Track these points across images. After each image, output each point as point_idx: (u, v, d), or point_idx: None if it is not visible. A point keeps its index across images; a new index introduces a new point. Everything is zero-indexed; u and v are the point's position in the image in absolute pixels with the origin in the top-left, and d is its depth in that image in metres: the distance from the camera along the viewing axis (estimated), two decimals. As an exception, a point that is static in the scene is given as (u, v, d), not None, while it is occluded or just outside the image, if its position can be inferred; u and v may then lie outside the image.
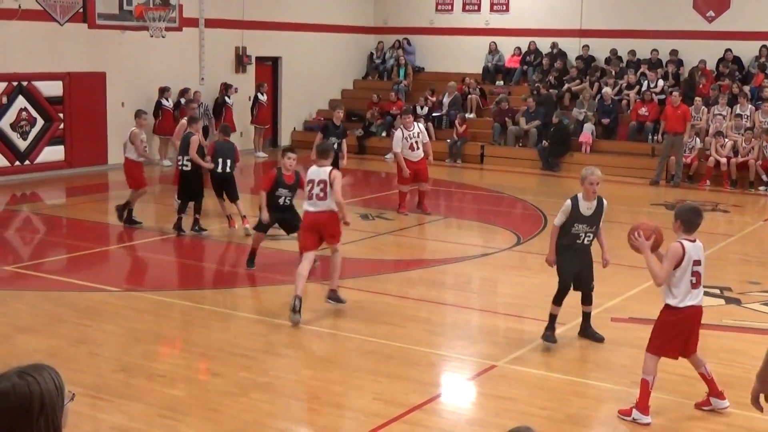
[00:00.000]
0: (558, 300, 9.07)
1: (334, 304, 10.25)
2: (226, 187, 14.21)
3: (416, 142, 15.80)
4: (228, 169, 14.04)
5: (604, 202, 9.08)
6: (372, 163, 23.38)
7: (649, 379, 7.43)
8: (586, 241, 9.02)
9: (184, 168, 13.96)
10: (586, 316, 9.37)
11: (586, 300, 9.31)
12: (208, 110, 21.37)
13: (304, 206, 10.21)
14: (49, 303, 10.42)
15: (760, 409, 5.57)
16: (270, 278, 12.18)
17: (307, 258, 10.03)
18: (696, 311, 7.35)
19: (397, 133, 16.06)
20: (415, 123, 16.29)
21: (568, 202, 8.89)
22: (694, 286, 7.24)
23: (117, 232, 14.54)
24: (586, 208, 8.89)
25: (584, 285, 9.23)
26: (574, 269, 9.04)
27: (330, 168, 10.04)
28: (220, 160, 13.98)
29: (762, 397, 5.48)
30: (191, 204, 14.11)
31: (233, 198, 14.26)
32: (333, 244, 10.25)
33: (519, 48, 26.18)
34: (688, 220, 7.22)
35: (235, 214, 14.42)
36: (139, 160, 14.49)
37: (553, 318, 9.10)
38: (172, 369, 8.40)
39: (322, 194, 9.90)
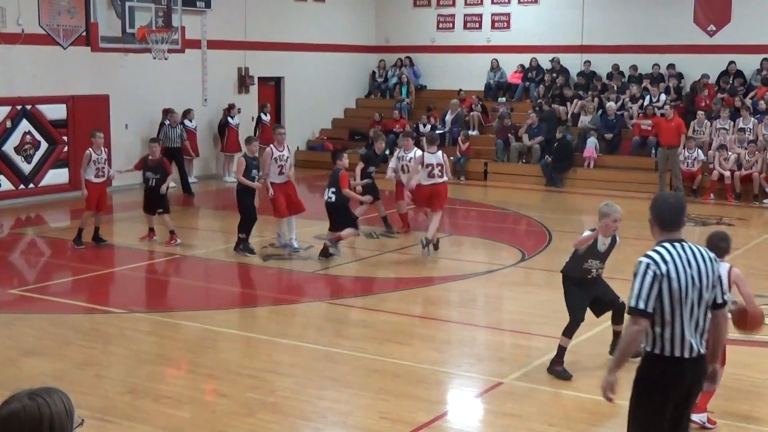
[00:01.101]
0: (569, 333, 8.74)
1: (425, 250, 13.63)
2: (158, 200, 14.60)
3: (406, 165, 15.14)
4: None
5: (618, 240, 8.79)
6: (376, 181, 23.33)
7: None
8: (595, 275, 8.86)
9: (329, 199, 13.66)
10: (617, 335, 8.89)
11: (618, 319, 8.87)
12: (183, 132, 21.30)
13: (419, 181, 13.97)
14: (54, 326, 10.40)
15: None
16: (275, 298, 12.18)
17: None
18: None
19: (394, 156, 15.95)
20: (414, 147, 15.63)
21: (587, 233, 8.67)
22: None
23: (122, 253, 14.55)
24: (602, 243, 8.66)
25: (611, 305, 8.96)
26: (586, 302, 8.83)
27: (441, 152, 13.89)
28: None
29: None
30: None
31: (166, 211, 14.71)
32: (438, 209, 13.97)
33: (522, 65, 26.23)
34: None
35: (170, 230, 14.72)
36: (95, 180, 14.48)
37: (562, 350, 8.74)
38: (178, 390, 8.38)
39: (440, 173, 13.80)
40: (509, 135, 23.66)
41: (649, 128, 22.07)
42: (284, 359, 9.31)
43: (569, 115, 23.95)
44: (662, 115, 21.38)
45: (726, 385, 8.47)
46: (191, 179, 21.99)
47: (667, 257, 5.32)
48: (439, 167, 13.91)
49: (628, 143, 22.75)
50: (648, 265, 5.30)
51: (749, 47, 23.25)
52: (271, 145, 14.15)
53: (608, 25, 25.07)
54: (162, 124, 20.99)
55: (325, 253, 13.64)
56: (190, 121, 21.91)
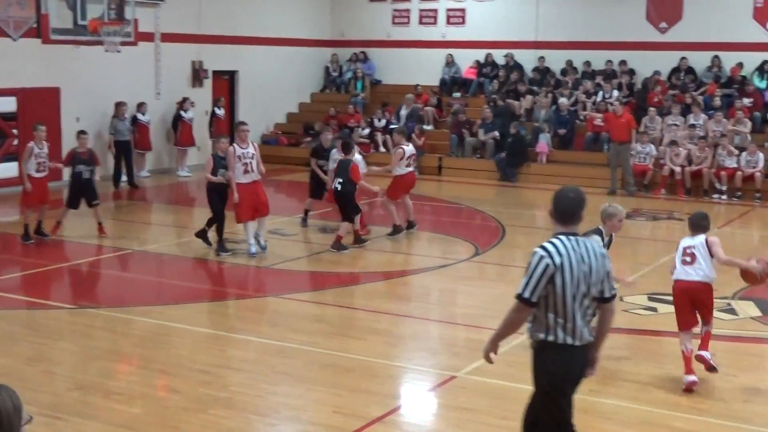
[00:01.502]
0: None
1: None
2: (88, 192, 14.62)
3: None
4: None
5: (614, 238, 8.86)
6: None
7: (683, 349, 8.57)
8: None
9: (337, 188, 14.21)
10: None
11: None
12: (132, 125, 21.19)
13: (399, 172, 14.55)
14: (2, 321, 10.26)
15: (491, 361, 5.86)
16: (228, 293, 12.12)
17: None
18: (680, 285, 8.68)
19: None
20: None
21: (598, 238, 8.24)
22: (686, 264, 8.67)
23: (72, 248, 14.38)
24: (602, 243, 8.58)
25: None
26: None
27: None
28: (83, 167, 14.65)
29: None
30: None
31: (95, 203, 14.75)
32: None
33: (478, 61, 26.31)
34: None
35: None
36: (37, 175, 14.32)
37: None
38: (129, 386, 8.31)
39: (414, 162, 15.07)
40: (464, 130, 23.74)
41: (602, 123, 22.28)
42: (237, 354, 9.28)
43: (523, 111, 24.10)
44: (613, 111, 21.61)
45: (676, 378, 8.61)
46: (144, 173, 21.81)
47: (562, 250, 5.47)
48: (412, 157, 15.62)
49: (581, 139, 22.95)
50: (542, 257, 5.46)
51: (700, 44, 23.57)
52: (234, 143, 13.57)
53: (562, 21, 25.25)
54: (113, 117, 20.78)
55: (338, 247, 13.98)
56: (143, 114, 21.71)
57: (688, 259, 8.75)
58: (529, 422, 5.90)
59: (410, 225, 15.64)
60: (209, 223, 13.95)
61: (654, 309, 11.03)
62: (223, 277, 12.98)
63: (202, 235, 14.02)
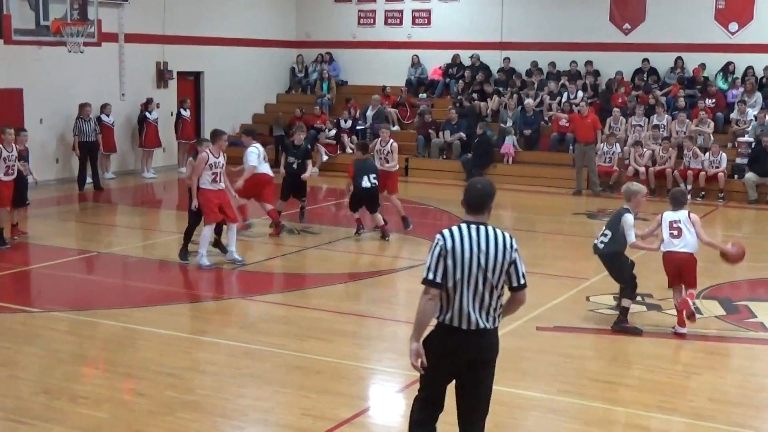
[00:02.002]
0: (633, 295, 10.47)
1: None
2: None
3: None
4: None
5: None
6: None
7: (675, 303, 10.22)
8: None
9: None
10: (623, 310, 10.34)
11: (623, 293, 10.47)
12: (96, 126, 21.02)
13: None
14: (-34, 326, 10.14)
15: (421, 370, 5.89)
16: (194, 295, 12.06)
17: None
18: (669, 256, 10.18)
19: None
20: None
21: (630, 216, 10.17)
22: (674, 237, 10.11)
23: (36, 251, 14.23)
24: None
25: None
26: None
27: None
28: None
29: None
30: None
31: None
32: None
33: (447, 64, 26.35)
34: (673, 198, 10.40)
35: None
36: (5, 178, 13.98)
37: (625, 310, 10.30)
38: (95, 390, 8.24)
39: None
40: (430, 131, 23.79)
41: (567, 124, 22.42)
42: (204, 357, 9.23)
43: (489, 112, 24.19)
44: (578, 112, 21.77)
45: (641, 377, 8.70)
46: (109, 175, 21.64)
47: (456, 236, 5.75)
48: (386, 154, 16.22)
49: (546, 139, 23.07)
50: (438, 241, 5.79)
51: (663, 45, 23.81)
52: (208, 149, 13.05)
53: (527, 22, 25.39)
54: (77, 119, 20.60)
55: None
56: (107, 116, 21.53)
57: (675, 233, 10.16)
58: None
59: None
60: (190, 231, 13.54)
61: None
62: (190, 280, 12.91)
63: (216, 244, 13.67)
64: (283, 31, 28.12)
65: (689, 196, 19.83)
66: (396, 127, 25.03)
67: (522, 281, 5.86)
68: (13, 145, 14.21)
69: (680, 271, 10.15)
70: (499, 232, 5.83)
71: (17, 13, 18.58)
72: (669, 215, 10.24)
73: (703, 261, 14.21)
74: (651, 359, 9.33)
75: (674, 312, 10.36)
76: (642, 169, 20.61)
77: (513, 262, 5.80)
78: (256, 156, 15.14)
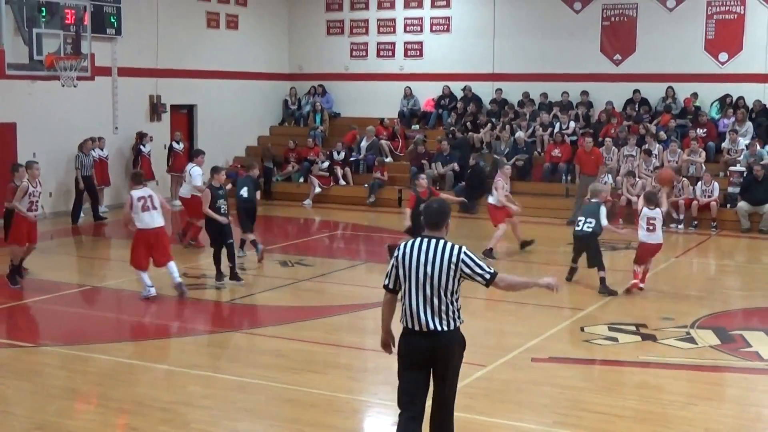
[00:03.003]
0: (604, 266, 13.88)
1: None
2: None
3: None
4: None
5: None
6: (289, 209, 23.32)
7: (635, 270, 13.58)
8: None
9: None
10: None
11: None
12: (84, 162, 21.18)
13: None
14: (-42, 361, 10.08)
15: (389, 351, 6.83)
16: (187, 328, 12.01)
17: None
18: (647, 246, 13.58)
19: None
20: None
21: (604, 207, 13.94)
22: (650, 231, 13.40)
23: (29, 286, 14.17)
24: None
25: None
26: None
27: None
28: None
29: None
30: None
31: None
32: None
33: (439, 95, 26.48)
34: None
35: None
36: (30, 214, 13.85)
37: (603, 279, 13.67)
38: (88, 426, 8.18)
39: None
40: (423, 162, 23.85)
41: (560, 154, 22.50)
42: (197, 391, 9.18)
43: (483, 143, 24.24)
44: (582, 147, 21.89)
45: (635, 408, 8.67)
46: (102, 209, 21.62)
47: (407, 248, 6.49)
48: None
49: (539, 170, 23.14)
50: (396, 253, 6.56)
51: (654, 76, 23.96)
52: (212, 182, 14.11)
53: (518, 53, 25.55)
54: (78, 153, 20.72)
55: None
56: (101, 149, 21.58)
57: (651, 227, 13.46)
58: None
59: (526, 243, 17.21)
60: (230, 260, 13.85)
61: (615, 339, 11.09)
62: (183, 313, 12.87)
63: (232, 275, 13.86)
64: (276, 64, 28.24)
65: (682, 226, 20.12)
66: (389, 159, 25.11)
67: (487, 276, 6.42)
68: (38, 180, 14.09)
69: (651, 255, 13.79)
70: (449, 244, 6.41)
71: (11, 47, 18.64)
72: (647, 212, 13.46)
73: (698, 291, 14.30)
74: (646, 390, 9.31)
75: (670, 342, 10.33)
76: (635, 199, 20.63)
77: (468, 268, 6.38)
78: (200, 176, 16.25)
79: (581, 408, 8.70)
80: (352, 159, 24.94)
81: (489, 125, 24.44)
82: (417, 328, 6.41)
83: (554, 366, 10.00)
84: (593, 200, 13.99)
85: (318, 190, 24.10)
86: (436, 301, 6.36)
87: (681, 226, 20.26)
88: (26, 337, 11.41)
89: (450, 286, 6.35)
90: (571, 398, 8.90)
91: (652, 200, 13.58)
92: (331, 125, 27.07)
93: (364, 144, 25.14)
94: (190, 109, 25.56)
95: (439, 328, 6.37)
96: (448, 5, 26.54)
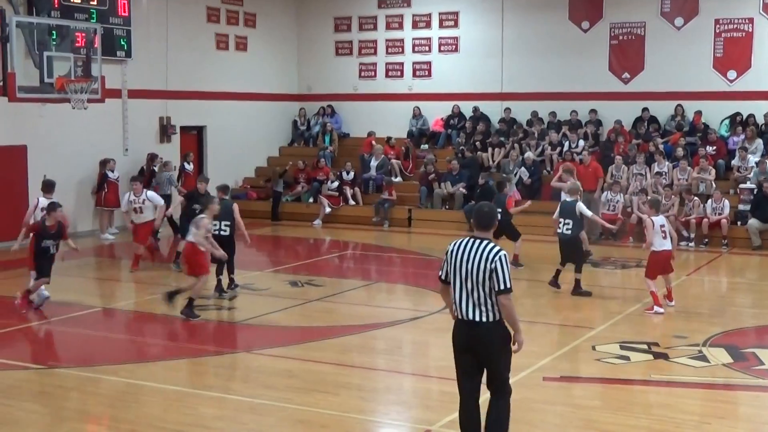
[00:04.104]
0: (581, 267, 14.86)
1: None
2: None
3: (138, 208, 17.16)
4: None
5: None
6: (299, 229, 23.34)
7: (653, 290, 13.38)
8: None
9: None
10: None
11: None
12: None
13: None
14: (-31, 384, 10.09)
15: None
16: (198, 349, 12.00)
17: None
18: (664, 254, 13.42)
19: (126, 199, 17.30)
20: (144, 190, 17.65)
21: (581, 202, 14.84)
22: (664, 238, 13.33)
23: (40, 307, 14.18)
24: None
25: None
26: None
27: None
28: None
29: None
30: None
31: None
32: None
33: (448, 115, 26.53)
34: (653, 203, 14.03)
35: None
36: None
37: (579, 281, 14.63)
38: (99, 447, 8.17)
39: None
40: (432, 181, 23.86)
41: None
42: (208, 412, 9.16)
43: (495, 163, 24.21)
44: (580, 161, 21.86)
45: (648, 427, 8.62)
46: (112, 230, 21.70)
47: (456, 246, 7.28)
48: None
49: (548, 189, 23.10)
50: (448, 248, 7.34)
51: (663, 94, 23.98)
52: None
53: (527, 72, 25.60)
54: (104, 175, 21.25)
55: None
56: (111, 171, 21.68)
57: (663, 234, 13.40)
58: None
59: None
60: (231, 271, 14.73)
61: (626, 358, 11.04)
62: (193, 334, 12.85)
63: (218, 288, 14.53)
64: (285, 85, 28.35)
65: (692, 243, 20.06)
66: (399, 179, 25.14)
67: (501, 287, 7.03)
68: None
69: (667, 264, 13.45)
70: (490, 245, 7.13)
71: (21, 70, 18.73)
72: (658, 220, 13.45)
73: (709, 309, 14.25)
74: (659, 408, 9.25)
75: (682, 360, 10.28)
76: (645, 217, 20.57)
77: (493, 270, 7.03)
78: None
79: (594, 428, 8.65)
80: (364, 177, 24.94)
81: (500, 147, 24.37)
82: (462, 317, 7.17)
83: (566, 385, 9.95)
84: (569, 199, 14.90)
85: (328, 210, 24.12)
86: (476, 295, 7.06)
87: (692, 244, 20.20)
88: (38, 359, 11.41)
89: (488, 283, 7.01)
90: (584, 417, 8.86)
91: (658, 206, 14.05)
92: (340, 145, 27.13)
93: (373, 163, 25.18)
94: (199, 131, 25.66)
95: (478, 319, 7.09)
96: (456, 25, 26.64)
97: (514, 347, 7.27)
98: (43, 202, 14.08)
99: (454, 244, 7.27)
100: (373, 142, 25.76)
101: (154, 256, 17.58)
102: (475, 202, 22.39)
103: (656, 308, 13.26)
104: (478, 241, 7.19)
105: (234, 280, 14.84)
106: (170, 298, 13.29)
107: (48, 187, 14.97)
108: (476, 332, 7.12)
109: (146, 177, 22.79)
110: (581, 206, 14.65)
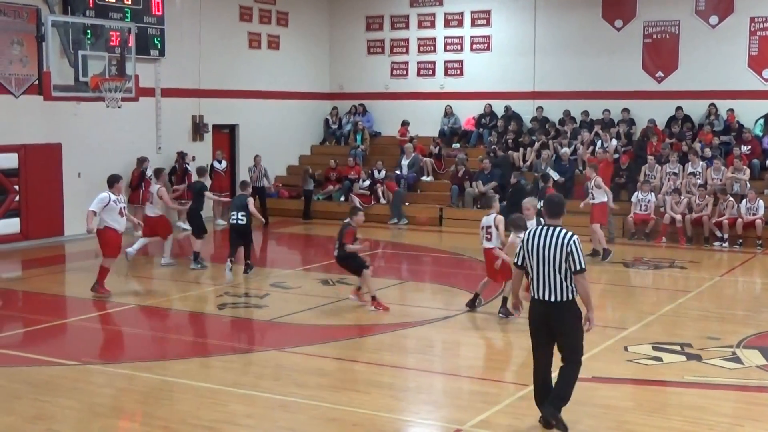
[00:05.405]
0: None
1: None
2: None
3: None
4: None
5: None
6: (330, 228, 23.35)
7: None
8: None
9: (240, 222, 16.10)
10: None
11: None
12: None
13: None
14: (4, 379, 10.20)
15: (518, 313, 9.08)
16: (230, 347, 12.06)
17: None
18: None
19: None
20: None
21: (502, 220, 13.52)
22: None
23: (74, 304, 14.35)
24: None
25: None
26: None
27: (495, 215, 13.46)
28: None
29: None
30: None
31: None
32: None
33: (480, 113, 26.48)
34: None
35: None
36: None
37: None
38: (132, 443, 8.23)
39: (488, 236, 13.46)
40: (464, 181, 23.82)
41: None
42: (240, 409, 9.20)
43: (528, 161, 24.12)
44: (619, 163, 21.78)
45: (682, 429, 8.56)
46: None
47: (531, 234, 8.19)
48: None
49: (580, 188, 22.97)
50: (523, 237, 8.34)
51: (697, 93, 23.78)
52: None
53: (559, 71, 25.49)
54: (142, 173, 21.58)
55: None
56: (146, 169, 21.85)
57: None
58: None
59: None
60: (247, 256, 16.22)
61: (659, 359, 10.97)
62: (226, 331, 12.93)
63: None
64: (317, 84, 28.42)
65: (726, 244, 19.88)
66: (430, 177, 25.12)
67: (577, 267, 7.95)
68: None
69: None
70: (563, 231, 8.05)
71: (57, 69, 18.95)
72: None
73: (743, 310, 14.12)
74: (691, 410, 9.18)
75: (715, 362, 10.19)
76: (678, 217, 20.47)
77: (569, 253, 7.92)
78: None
79: (625, 429, 8.60)
80: (397, 174, 24.91)
81: (533, 146, 24.29)
82: (538, 297, 8.04)
83: (598, 386, 9.90)
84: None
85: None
86: (552, 277, 7.94)
87: (726, 245, 20.02)
88: (70, 355, 11.52)
89: (563, 266, 7.90)
90: (616, 419, 8.81)
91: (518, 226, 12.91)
92: (371, 144, 27.15)
93: (404, 162, 25.18)
94: (231, 129, 25.78)
95: (553, 299, 7.97)
96: (488, 24, 26.58)
97: (585, 326, 8.08)
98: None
99: (530, 233, 8.15)
100: (407, 131, 25.85)
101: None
102: (507, 202, 22.43)
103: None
104: (551, 228, 8.08)
105: (250, 264, 16.28)
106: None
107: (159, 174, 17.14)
108: (552, 310, 7.99)
109: (179, 174, 23.01)
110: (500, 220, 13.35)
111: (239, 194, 16.67)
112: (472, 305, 13.50)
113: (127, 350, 11.98)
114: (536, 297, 8.09)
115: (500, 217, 13.29)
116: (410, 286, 15.98)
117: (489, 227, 13.26)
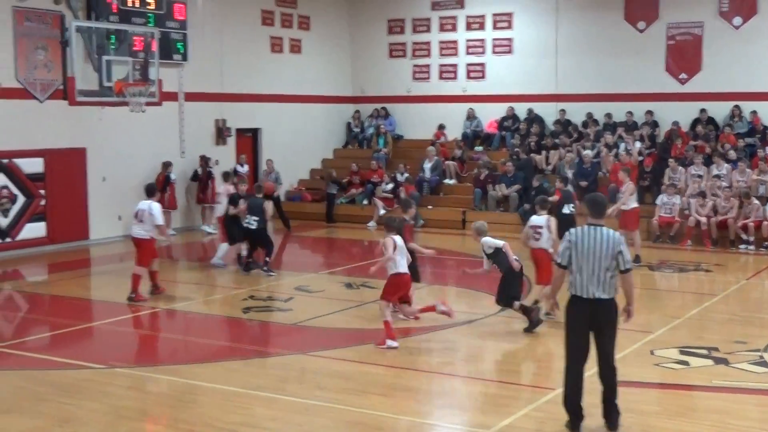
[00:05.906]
0: None
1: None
2: None
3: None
4: None
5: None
6: (353, 231, 23.40)
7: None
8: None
9: (251, 226, 16.47)
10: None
11: None
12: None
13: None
14: (31, 382, 10.27)
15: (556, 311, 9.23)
16: (254, 350, 12.08)
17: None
18: None
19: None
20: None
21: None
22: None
23: (99, 308, 14.42)
24: None
25: None
26: None
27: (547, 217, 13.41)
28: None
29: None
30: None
31: None
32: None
33: (502, 116, 26.43)
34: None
35: None
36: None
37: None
38: (158, 447, 8.26)
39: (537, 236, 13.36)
40: (487, 184, 23.77)
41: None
42: (264, 413, 9.22)
43: (552, 164, 24.04)
44: (643, 165, 21.67)
45: (709, 433, 8.50)
46: (170, 232, 21.93)
47: (578, 234, 8.32)
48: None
49: (604, 191, 22.83)
50: (567, 236, 8.38)
51: (721, 95, 23.63)
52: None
53: (582, 73, 25.40)
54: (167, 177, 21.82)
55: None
56: (170, 174, 21.97)
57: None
58: None
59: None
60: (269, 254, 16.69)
61: (686, 363, 10.90)
62: (250, 335, 12.97)
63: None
64: (339, 87, 28.46)
65: (752, 247, 19.72)
66: (453, 180, 25.09)
67: (625, 267, 8.23)
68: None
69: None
70: (610, 232, 8.26)
71: (81, 74, 19.12)
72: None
73: (765, 313, 14.00)
74: (718, 414, 9.11)
75: (743, 366, 10.10)
76: (704, 220, 20.33)
77: (620, 252, 8.19)
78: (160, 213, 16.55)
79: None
80: (418, 179, 24.90)
81: (557, 149, 24.19)
82: (584, 295, 8.16)
83: (624, 390, 9.81)
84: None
85: (382, 212, 24.11)
86: (600, 275, 8.14)
87: (751, 248, 19.86)
88: (96, 359, 11.58)
89: (611, 265, 8.14)
90: (642, 423, 8.76)
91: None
92: (394, 147, 27.16)
93: (427, 165, 25.16)
94: (254, 133, 25.86)
95: (600, 297, 8.16)
96: (510, 26, 26.53)
97: (622, 317, 8.34)
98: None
99: (575, 234, 8.28)
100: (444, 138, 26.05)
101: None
102: (531, 205, 22.35)
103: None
104: (596, 228, 8.26)
105: (268, 263, 16.67)
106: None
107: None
108: (598, 307, 8.19)
109: (202, 179, 23.09)
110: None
111: (252, 198, 16.95)
112: (534, 314, 12.51)
113: (153, 353, 12.03)
114: (582, 295, 8.19)
115: (554, 219, 13.29)
116: (434, 290, 15.94)
117: (539, 227, 13.14)
